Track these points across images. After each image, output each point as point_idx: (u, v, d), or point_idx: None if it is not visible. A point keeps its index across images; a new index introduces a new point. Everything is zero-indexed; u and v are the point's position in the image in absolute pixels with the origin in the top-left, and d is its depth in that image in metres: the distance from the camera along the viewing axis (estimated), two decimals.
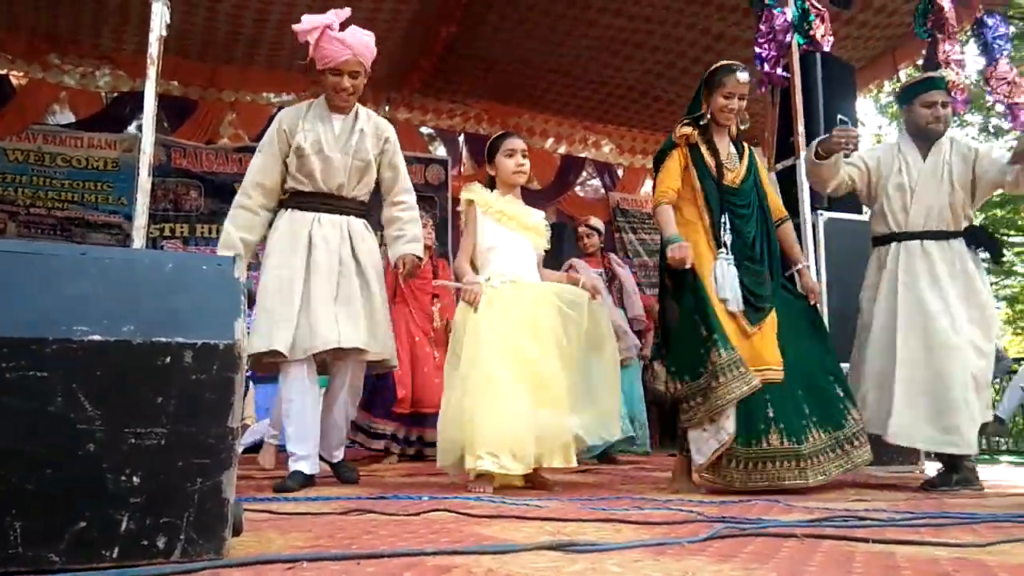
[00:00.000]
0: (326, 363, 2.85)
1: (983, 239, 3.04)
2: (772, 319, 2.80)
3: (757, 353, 2.72)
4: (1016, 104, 4.87)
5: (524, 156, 2.97)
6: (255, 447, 4.32)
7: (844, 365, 3.94)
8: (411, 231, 2.94)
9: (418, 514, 1.73)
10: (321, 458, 2.85)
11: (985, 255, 3.07)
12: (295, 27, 2.73)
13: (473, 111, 7.98)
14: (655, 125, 8.25)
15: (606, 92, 7.72)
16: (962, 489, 2.83)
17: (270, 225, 2.82)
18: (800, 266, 3.00)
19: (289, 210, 2.78)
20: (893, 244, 3.09)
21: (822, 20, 4.39)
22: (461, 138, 8.24)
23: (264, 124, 7.02)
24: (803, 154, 4.29)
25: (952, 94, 3.06)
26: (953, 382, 2.83)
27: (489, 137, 7.98)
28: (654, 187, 3.03)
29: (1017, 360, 9.41)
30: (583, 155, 8.66)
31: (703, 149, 2.91)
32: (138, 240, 2.97)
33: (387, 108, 7.68)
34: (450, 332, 4.36)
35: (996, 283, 15.80)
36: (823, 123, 4.56)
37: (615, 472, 3.90)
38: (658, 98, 7.64)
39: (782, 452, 2.63)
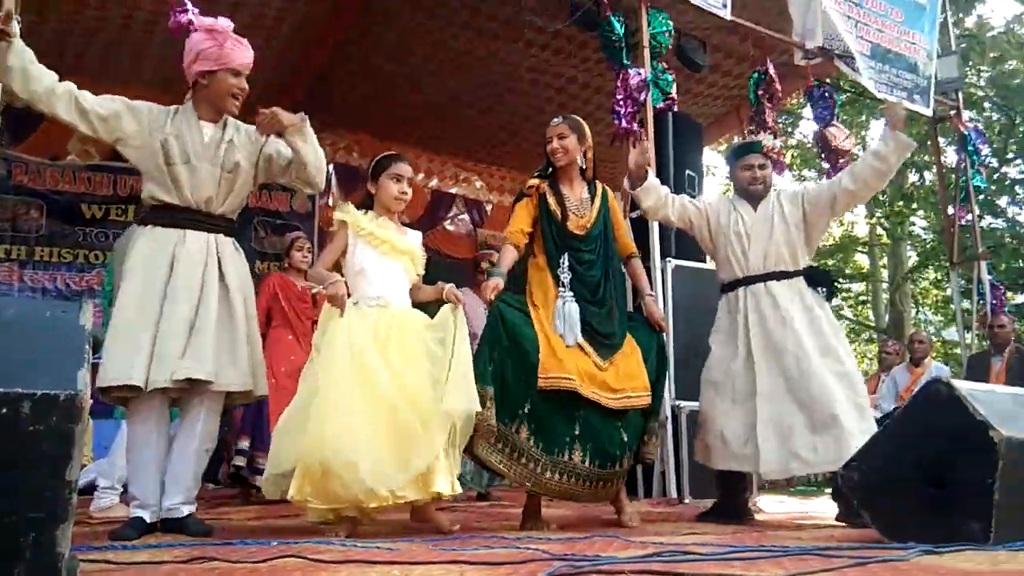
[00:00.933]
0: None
1: (819, 278, 3.32)
2: (626, 352, 3.02)
3: (611, 384, 2.92)
4: (841, 165, 5.48)
5: (409, 184, 2.94)
6: (89, 488, 4.00)
7: (689, 404, 4.23)
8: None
9: (264, 561, 1.72)
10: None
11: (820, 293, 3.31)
12: (199, 21, 2.63)
13: (344, 141, 7.95)
14: (523, 166, 8.52)
15: (477, 131, 7.93)
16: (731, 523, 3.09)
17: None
18: (646, 296, 3.23)
19: (150, 227, 2.57)
20: (740, 288, 3.32)
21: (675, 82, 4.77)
22: (331, 168, 8.18)
23: None
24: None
25: (770, 157, 3.38)
26: (816, 404, 3.04)
27: (358, 168, 8.06)
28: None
29: None
30: (453, 191, 8.80)
31: (550, 198, 3.11)
32: None
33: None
34: None
35: None
36: (672, 174, 4.92)
37: (476, 510, 3.96)
38: (527, 139, 7.91)
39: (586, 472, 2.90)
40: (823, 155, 5.64)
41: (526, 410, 2.84)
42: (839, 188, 3.26)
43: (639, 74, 4.52)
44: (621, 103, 4.46)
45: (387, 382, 2.58)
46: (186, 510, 2.53)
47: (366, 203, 2.94)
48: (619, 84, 4.52)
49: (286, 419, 2.62)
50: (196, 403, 2.56)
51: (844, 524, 3.04)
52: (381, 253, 2.82)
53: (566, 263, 3.03)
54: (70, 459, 1.13)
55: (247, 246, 7.09)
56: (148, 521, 2.47)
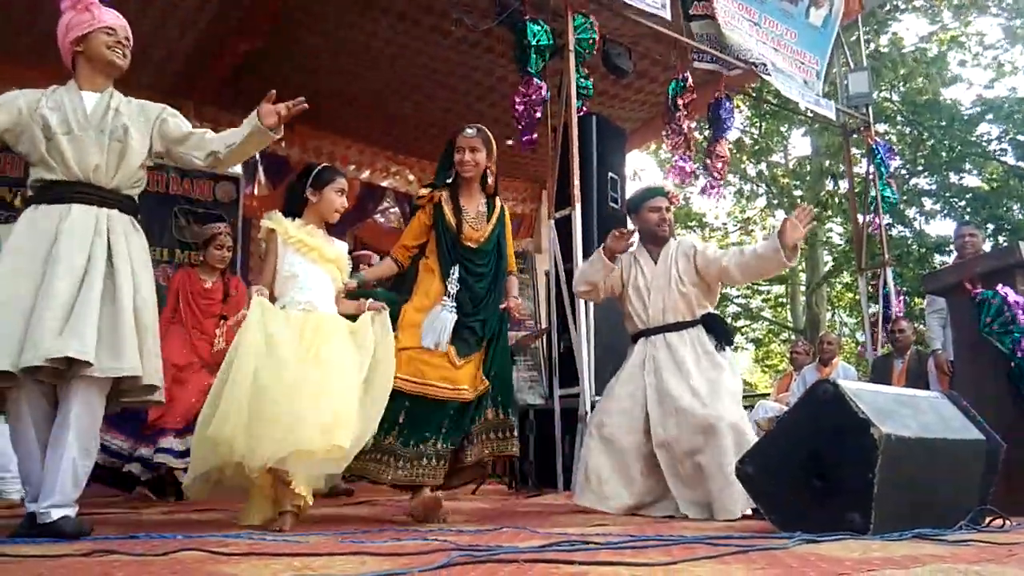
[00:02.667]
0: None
1: (713, 326, 3.41)
2: (480, 356, 3.15)
3: (456, 378, 3.05)
4: (718, 178, 5.73)
5: (347, 196, 3.02)
6: None
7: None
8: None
9: (165, 554, 1.71)
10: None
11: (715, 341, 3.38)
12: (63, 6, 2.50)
13: None
14: None
15: (409, 125, 7.89)
16: None
17: None
18: (510, 300, 3.30)
19: (33, 206, 2.38)
20: (641, 340, 3.45)
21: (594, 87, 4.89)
22: (257, 156, 8.03)
23: None
24: (578, 206, 4.71)
25: (672, 202, 3.52)
26: (705, 453, 3.08)
27: (287, 158, 7.92)
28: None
29: (763, 395, 10.68)
30: (384, 184, 8.75)
31: (447, 208, 3.18)
32: None
33: None
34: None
35: (745, 326, 17.87)
36: (596, 177, 5.03)
37: (394, 504, 3.98)
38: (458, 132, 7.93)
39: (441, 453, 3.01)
40: (708, 161, 5.90)
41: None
42: (723, 269, 3.35)
43: (541, 87, 4.63)
44: (521, 113, 4.56)
45: (302, 365, 2.62)
46: (56, 513, 2.20)
47: (294, 208, 2.98)
48: (521, 90, 4.61)
49: (202, 421, 2.59)
50: (72, 392, 2.25)
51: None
52: (310, 260, 2.88)
53: (456, 274, 3.12)
54: None
55: (167, 235, 7.05)
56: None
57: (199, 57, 6.45)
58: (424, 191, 3.24)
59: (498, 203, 3.30)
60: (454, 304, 3.08)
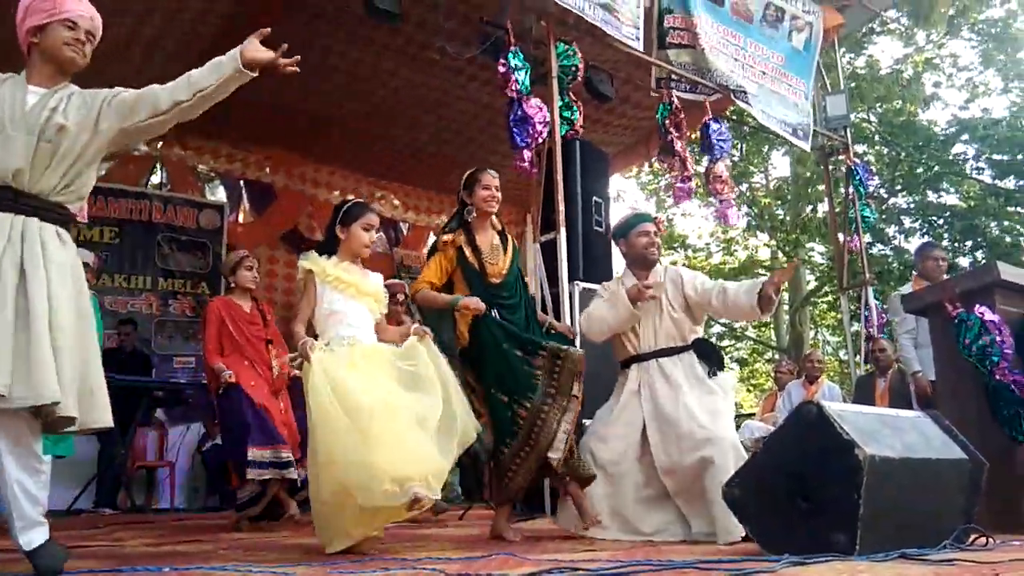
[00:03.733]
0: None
1: (705, 351, 3.43)
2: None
3: None
4: (724, 202, 5.79)
5: (377, 231, 3.10)
6: None
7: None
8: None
9: None
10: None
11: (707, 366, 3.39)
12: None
13: (255, 157, 7.82)
14: (440, 185, 8.57)
15: (393, 151, 7.94)
16: None
17: None
18: (548, 320, 3.49)
19: None
20: (633, 365, 3.44)
21: (582, 112, 4.95)
22: (241, 183, 8.03)
23: None
24: (563, 230, 4.75)
25: (658, 227, 3.57)
26: (708, 475, 3.05)
27: (271, 185, 7.92)
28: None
29: (749, 415, 10.72)
30: None
31: (467, 251, 3.28)
32: None
33: (159, 147, 7.32)
34: (287, 381, 4.30)
35: (730, 346, 17.97)
36: (580, 201, 5.07)
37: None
38: (444, 159, 7.98)
39: None
40: (708, 185, 5.98)
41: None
42: (712, 303, 3.37)
43: (541, 108, 4.68)
44: (522, 135, 4.61)
45: (372, 397, 2.69)
46: (24, 538, 2.08)
47: (331, 247, 3.04)
48: (517, 113, 4.65)
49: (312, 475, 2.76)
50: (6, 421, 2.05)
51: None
52: (348, 296, 2.96)
53: (497, 316, 3.22)
54: None
55: (151, 264, 7.03)
56: None
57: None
58: (447, 236, 3.31)
59: (509, 236, 3.45)
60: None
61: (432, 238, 5.72)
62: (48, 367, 2.01)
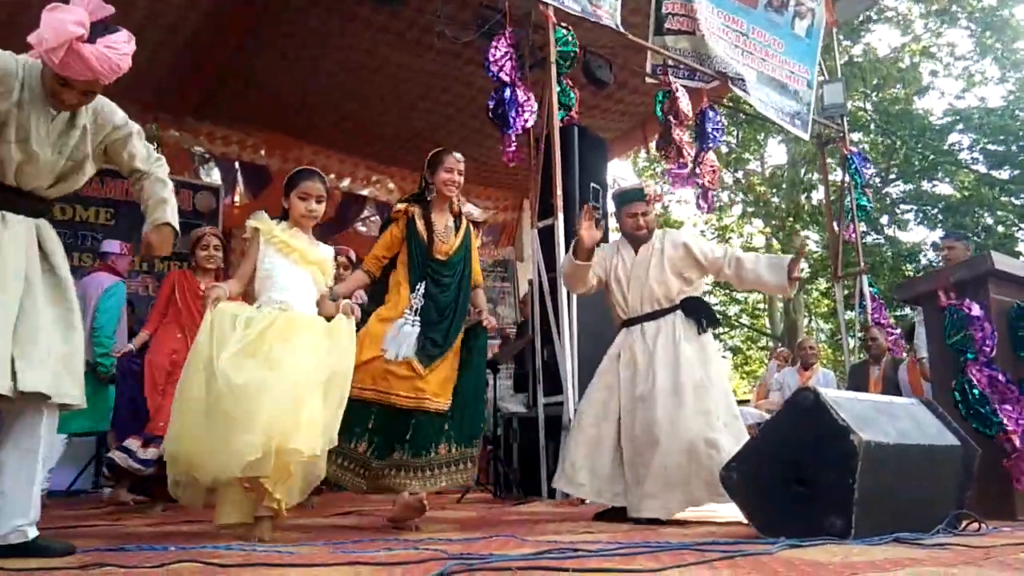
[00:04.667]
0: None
1: (693, 308, 3.45)
2: (446, 363, 3.22)
3: (421, 388, 3.13)
4: (709, 189, 5.81)
5: (319, 201, 2.95)
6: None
7: None
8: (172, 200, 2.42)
9: (162, 565, 1.73)
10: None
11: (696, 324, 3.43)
12: (44, 17, 2.01)
13: (251, 139, 7.81)
14: None
15: (390, 135, 7.93)
16: None
17: None
18: (481, 314, 3.44)
19: None
20: (624, 329, 3.50)
21: (578, 98, 4.95)
22: (237, 165, 8.01)
23: None
24: (561, 216, 4.77)
25: (650, 202, 3.57)
26: (684, 448, 3.10)
27: (267, 167, 7.91)
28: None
29: (743, 402, 10.79)
30: (365, 192, 8.76)
31: (419, 223, 3.29)
32: None
33: (155, 128, 7.28)
34: None
35: (724, 333, 18.05)
36: (578, 187, 5.08)
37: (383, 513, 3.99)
38: (439, 143, 7.91)
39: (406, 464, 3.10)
40: (696, 172, 5.99)
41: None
42: (725, 271, 3.44)
43: (529, 96, 4.71)
44: (514, 119, 4.62)
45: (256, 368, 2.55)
46: (32, 532, 2.12)
47: (285, 214, 2.99)
48: (509, 97, 4.66)
49: (167, 437, 2.59)
50: (32, 413, 2.14)
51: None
52: (291, 261, 2.87)
53: (421, 290, 3.24)
54: None
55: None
56: None
57: (181, 68, 6.44)
58: (400, 205, 3.36)
59: (464, 221, 3.46)
60: (417, 318, 3.20)
61: None
62: (81, 369, 2.18)
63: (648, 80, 5.95)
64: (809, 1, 6.49)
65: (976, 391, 3.20)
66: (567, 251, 4.65)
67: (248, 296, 2.92)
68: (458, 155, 3.37)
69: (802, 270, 3.34)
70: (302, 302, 2.86)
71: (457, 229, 3.40)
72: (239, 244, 7.49)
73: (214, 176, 8.61)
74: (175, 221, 2.39)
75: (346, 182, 8.56)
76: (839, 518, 2.20)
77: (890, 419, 2.45)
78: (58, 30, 1.98)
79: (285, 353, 2.60)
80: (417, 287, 3.24)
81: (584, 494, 3.39)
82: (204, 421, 2.46)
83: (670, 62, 5.81)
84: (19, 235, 2.12)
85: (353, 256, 5.20)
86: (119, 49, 2.10)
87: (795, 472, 2.36)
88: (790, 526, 2.26)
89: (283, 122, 7.60)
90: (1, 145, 2.07)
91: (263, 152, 7.90)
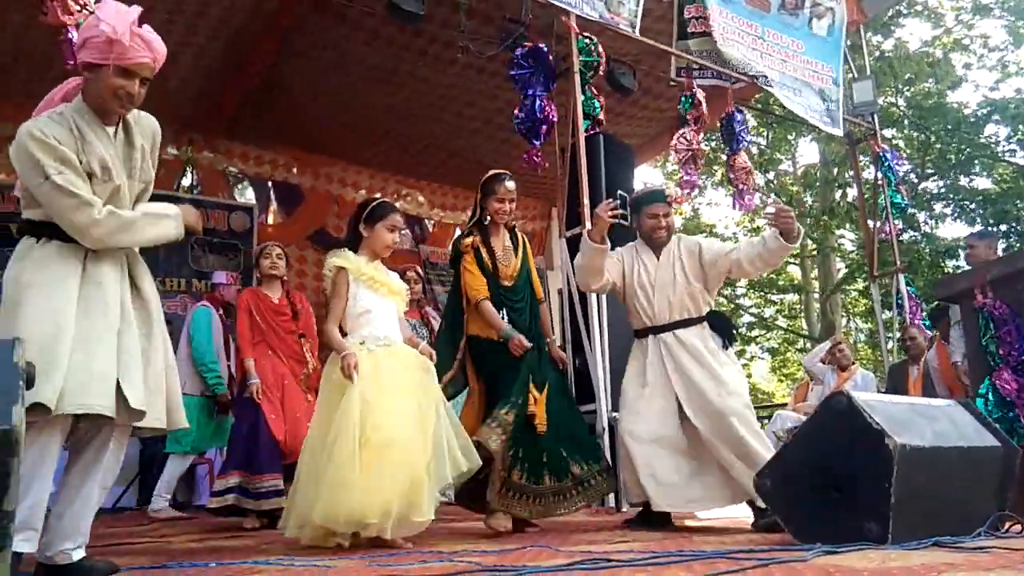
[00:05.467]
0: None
1: (718, 324, 3.50)
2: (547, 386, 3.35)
3: (540, 412, 3.28)
4: (745, 189, 5.77)
5: (399, 232, 3.14)
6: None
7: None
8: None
9: None
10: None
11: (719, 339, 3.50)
12: (97, 14, 2.11)
13: (283, 159, 7.94)
14: (464, 181, 8.60)
15: (417, 149, 8.00)
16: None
17: None
18: (548, 341, 3.55)
19: (43, 241, 2.14)
20: (649, 336, 3.48)
21: (604, 106, 4.97)
22: (269, 184, 8.15)
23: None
24: (588, 224, 4.77)
25: (672, 205, 3.57)
26: (745, 439, 3.21)
27: (299, 186, 8.03)
28: (464, 289, 3.42)
29: (781, 405, 10.66)
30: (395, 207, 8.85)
31: (483, 252, 3.39)
32: None
33: (190, 151, 7.45)
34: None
35: (760, 335, 17.84)
36: (604, 195, 5.08)
37: None
38: (467, 157, 8.03)
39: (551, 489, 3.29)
40: (731, 176, 5.97)
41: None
42: (735, 262, 3.41)
43: (552, 109, 4.75)
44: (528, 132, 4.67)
45: (397, 429, 2.73)
46: (77, 554, 2.12)
47: (349, 244, 3.06)
48: (528, 110, 4.70)
49: (302, 466, 2.76)
50: (103, 436, 2.17)
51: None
52: (380, 295, 2.97)
53: (505, 317, 3.35)
54: (8, 489, 1.18)
55: (185, 267, 7.18)
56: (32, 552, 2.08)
57: (212, 91, 6.58)
58: (467, 240, 3.44)
59: (520, 236, 3.55)
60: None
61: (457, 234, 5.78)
62: (163, 393, 2.22)
63: (671, 85, 5.95)
64: (827, 1, 6.42)
65: (995, 396, 3.13)
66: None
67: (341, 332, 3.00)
68: (510, 183, 3.45)
69: (795, 225, 3.26)
70: (395, 332, 3.01)
71: (515, 247, 3.49)
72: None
73: (248, 195, 8.79)
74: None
75: (377, 197, 8.64)
76: (876, 523, 2.17)
77: (926, 421, 2.41)
78: (121, 16, 2.09)
79: (406, 402, 2.80)
80: (500, 314, 3.34)
81: (676, 506, 3.35)
82: (344, 473, 2.59)
83: (694, 66, 5.80)
84: (110, 266, 2.19)
85: (421, 272, 5.29)
86: (155, 35, 2.21)
87: (830, 477, 2.33)
88: (826, 532, 2.23)
89: (313, 140, 7.72)
90: (94, 185, 2.13)
91: (295, 171, 8.02)
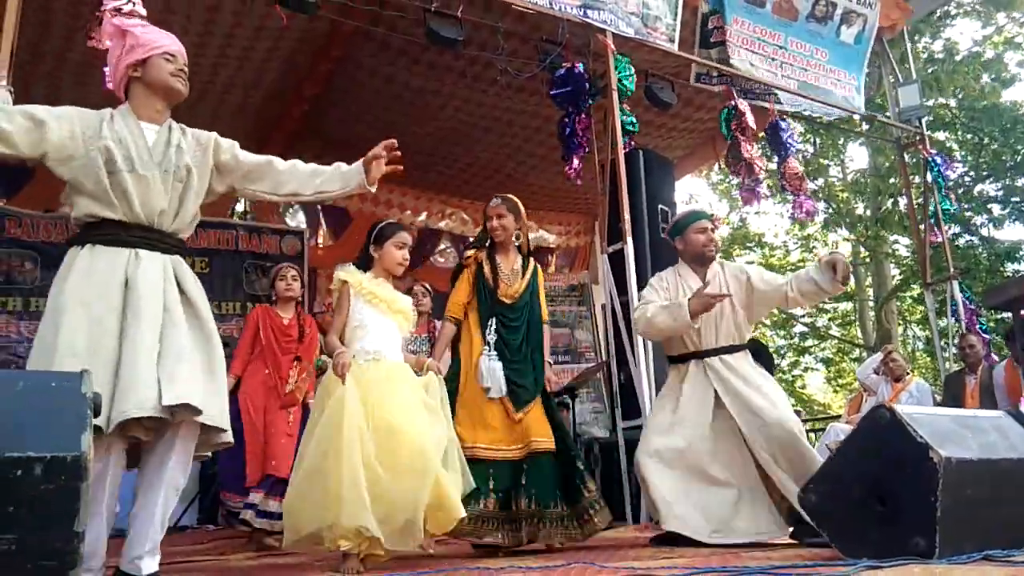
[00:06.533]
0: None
1: (759, 354, 3.56)
2: (538, 402, 3.39)
3: (525, 431, 3.30)
4: (801, 194, 5.72)
5: (409, 250, 3.13)
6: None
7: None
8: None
9: None
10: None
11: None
12: (116, 20, 2.40)
13: None
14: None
15: (459, 168, 8.15)
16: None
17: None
18: (548, 370, 3.55)
19: (90, 245, 2.17)
20: (692, 361, 3.43)
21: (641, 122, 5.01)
22: (319, 207, 8.37)
23: None
24: (630, 240, 4.81)
25: (715, 223, 3.59)
26: (805, 452, 3.23)
27: (347, 209, 8.23)
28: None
29: (836, 417, 10.44)
30: (441, 226, 9.00)
31: (486, 267, 3.48)
32: None
33: None
34: (302, 398, 4.29)
35: (815, 345, 17.49)
36: (646, 211, 5.12)
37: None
38: (509, 174, 8.14)
39: (530, 514, 3.23)
40: (784, 184, 5.95)
41: None
42: (787, 295, 3.39)
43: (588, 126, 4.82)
44: (572, 147, 4.75)
45: (394, 429, 2.73)
46: (149, 566, 2.13)
47: (365, 265, 3.12)
48: (569, 127, 4.77)
49: (301, 482, 2.69)
50: (167, 439, 2.17)
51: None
52: (380, 312, 3.00)
53: (493, 325, 3.40)
54: (77, 512, 1.28)
55: (240, 290, 7.41)
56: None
57: (262, 121, 6.82)
58: (470, 252, 3.57)
59: (532, 262, 3.61)
60: (494, 352, 3.35)
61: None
62: (224, 390, 2.24)
63: (697, 86, 6.00)
64: (860, 7, 6.35)
65: None
66: (637, 275, 4.71)
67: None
68: (495, 200, 3.54)
69: (848, 269, 3.28)
70: (392, 351, 3.00)
71: (524, 271, 3.54)
72: (324, 283, 7.84)
73: (299, 219, 9.03)
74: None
75: (422, 216, 8.80)
76: (923, 538, 2.14)
77: (973, 433, 2.38)
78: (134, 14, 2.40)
79: (407, 416, 2.78)
80: (489, 323, 3.40)
81: (711, 537, 3.22)
82: (364, 472, 2.57)
83: (714, 73, 5.87)
84: (153, 271, 2.21)
85: (429, 287, 5.37)
86: None
87: (876, 492, 2.31)
88: (874, 547, 2.21)
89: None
90: (114, 177, 2.17)
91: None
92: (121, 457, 2.12)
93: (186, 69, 2.38)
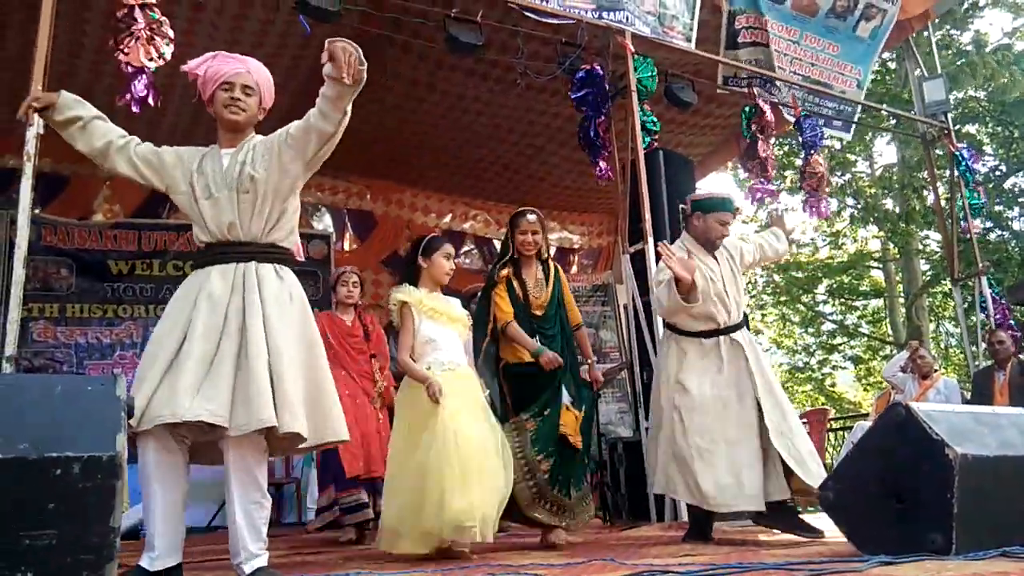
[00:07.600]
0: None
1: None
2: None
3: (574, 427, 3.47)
4: (817, 195, 5.70)
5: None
6: (129, 534, 4.17)
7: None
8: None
9: None
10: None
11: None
12: (185, 67, 2.52)
13: (356, 187, 8.26)
14: (529, 201, 8.73)
15: (482, 169, 8.19)
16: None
17: None
18: (589, 362, 3.71)
19: (195, 271, 2.47)
20: (720, 337, 3.47)
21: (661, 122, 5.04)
22: (345, 212, 8.49)
23: (141, 200, 7.04)
24: (651, 240, 4.83)
25: (735, 216, 3.67)
26: (802, 434, 3.40)
27: (372, 212, 8.33)
28: (494, 316, 3.56)
29: (864, 415, 10.33)
30: (465, 227, 9.07)
31: (515, 283, 3.55)
32: (11, 334, 3.02)
33: None
34: (389, 400, 4.37)
35: (844, 343, 17.29)
36: (667, 210, 5.13)
37: None
38: (531, 176, 8.18)
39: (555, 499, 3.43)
40: (803, 180, 5.94)
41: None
42: (761, 247, 3.81)
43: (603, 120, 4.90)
44: (593, 150, 4.80)
45: (478, 435, 3.06)
46: (248, 567, 2.22)
47: (410, 277, 3.33)
48: (592, 129, 4.82)
49: (392, 482, 3.10)
50: (226, 451, 2.28)
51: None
52: (441, 324, 3.25)
53: (537, 340, 3.49)
54: (113, 508, 1.36)
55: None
56: (149, 570, 2.19)
57: (292, 116, 6.92)
58: (502, 272, 3.59)
59: (552, 266, 3.66)
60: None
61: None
62: (265, 396, 2.20)
63: (720, 90, 6.00)
64: (882, 2, 6.30)
65: None
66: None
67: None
68: (531, 216, 3.57)
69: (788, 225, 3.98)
70: (459, 357, 3.27)
71: (547, 278, 3.61)
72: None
73: (325, 222, 9.16)
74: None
75: (447, 219, 8.87)
76: (940, 534, 2.16)
77: (991, 430, 2.38)
78: (200, 59, 2.53)
79: (479, 423, 3.11)
80: (536, 341, 3.50)
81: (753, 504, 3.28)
82: (447, 482, 2.89)
83: (743, 75, 5.85)
84: (217, 285, 2.34)
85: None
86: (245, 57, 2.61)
87: (893, 489, 2.32)
88: (891, 544, 2.23)
89: (384, 169, 8.00)
90: (197, 205, 2.43)
91: (368, 198, 8.34)
92: (169, 454, 2.25)
93: (246, 91, 2.50)
